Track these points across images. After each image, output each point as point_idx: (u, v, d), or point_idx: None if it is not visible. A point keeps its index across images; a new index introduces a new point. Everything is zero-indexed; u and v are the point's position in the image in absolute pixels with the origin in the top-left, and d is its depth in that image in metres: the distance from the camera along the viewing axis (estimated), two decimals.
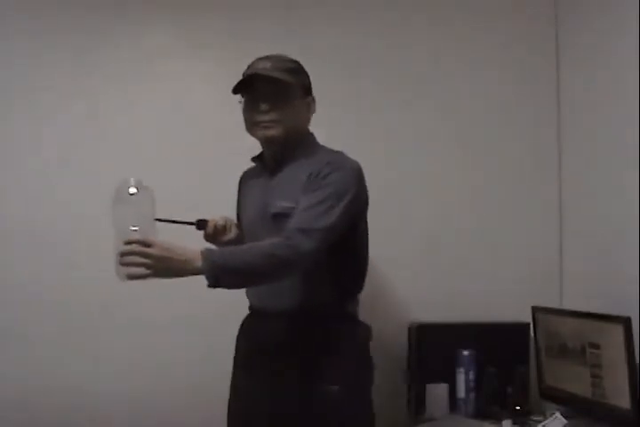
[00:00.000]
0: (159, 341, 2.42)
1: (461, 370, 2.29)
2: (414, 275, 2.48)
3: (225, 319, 2.41)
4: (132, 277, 1.51)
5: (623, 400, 1.85)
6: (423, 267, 2.50)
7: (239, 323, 2.41)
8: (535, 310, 2.28)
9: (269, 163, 1.85)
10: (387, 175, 2.43)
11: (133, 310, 2.41)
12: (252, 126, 1.79)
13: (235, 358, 1.90)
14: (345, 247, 1.74)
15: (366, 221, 1.83)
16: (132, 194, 1.57)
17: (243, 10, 2.52)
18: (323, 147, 1.86)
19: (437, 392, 2.27)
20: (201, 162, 2.47)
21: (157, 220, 1.59)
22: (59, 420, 2.36)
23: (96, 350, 2.41)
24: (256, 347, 1.82)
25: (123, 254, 1.50)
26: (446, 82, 2.56)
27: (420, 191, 2.53)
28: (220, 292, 2.32)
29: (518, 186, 2.57)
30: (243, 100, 1.81)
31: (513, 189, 2.57)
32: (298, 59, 1.86)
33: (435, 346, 2.28)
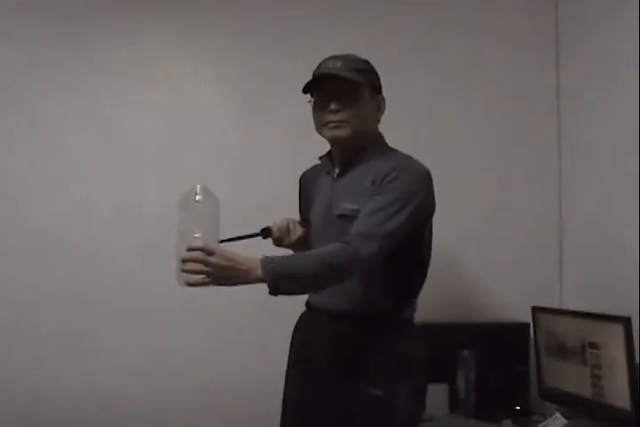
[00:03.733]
0: (162, 341, 2.43)
1: (461, 370, 2.29)
2: None
3: (230, 321, 2.44)
4: (191, 284, 1.49)
5: (623, 401, 1.85)
6: None
7: (243, 324, 2.43)
8: (535, 310, 2.28)
9: (337, 163, 1.83)
10: None
11: (142, 311, 2.42)
12: (320, 126, 1.77)
13: (289, 353, 1.89)
14: (408, 253, 1.73)
15: (431, 228, 1.81)
16: (197, 201, 1.56)
17: (243, 10, 2.53)
18: (393, 150, 1.83)
19: (437, 392, 2.27)
20: (201, 162, 2.47)
21: (222, 241, 1.57)
22: (65, 420, 2.37)
23: (101, 351, 2.42)
24: (310, 344, 1.81)
25: (184, 261, 1.49)
26: (446, 82, 2.56)
27: None
28: (225, 294, 2.30)
29: (518, 186, 2.57)
30: (312, 99, 1.80)
31: (513, 189, 2.57)
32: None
33: (435, 346, 2.27)
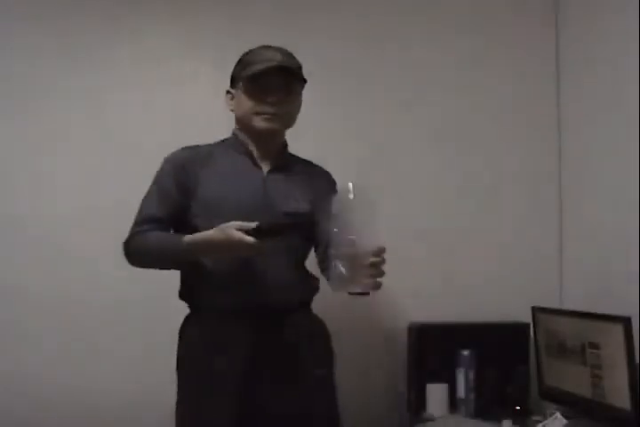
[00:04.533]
0: (163, 341, 2.42)
1: (461, 370, 2.29)
2: (414, 275, 2.48)
3: None
4: (376, 289, 1.48)
5: (623, 401, 1.85)
6: (423, 267, 2.50)
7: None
8: (535, 310, 2.28)
9: (265, 157, 1.80)
10: (385, 175, 2.45)
11: (143, 310, 2.42)
12: (251, 115, 1.75)
13: (215, 361, 1.77)
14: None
15: None
16: (359, 199, 1.47)
17: (243, 10, 2.52)
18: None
19: (437, 392, 2.28)
20: None
21: None
22: (65, 420, 2.37)
23: (101, 351, 2.41)
24: (266, 344, 1.71)
25: (374, 265, 1.47)
26: (446, 83, 2.56)
27: (419, 191, 2.53)
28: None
29: (518, 186, 2.57)
30: (240, 88, 1.77)
31: (513, 190, 2.57)
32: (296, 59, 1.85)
33: (435, 346, 2.28)
